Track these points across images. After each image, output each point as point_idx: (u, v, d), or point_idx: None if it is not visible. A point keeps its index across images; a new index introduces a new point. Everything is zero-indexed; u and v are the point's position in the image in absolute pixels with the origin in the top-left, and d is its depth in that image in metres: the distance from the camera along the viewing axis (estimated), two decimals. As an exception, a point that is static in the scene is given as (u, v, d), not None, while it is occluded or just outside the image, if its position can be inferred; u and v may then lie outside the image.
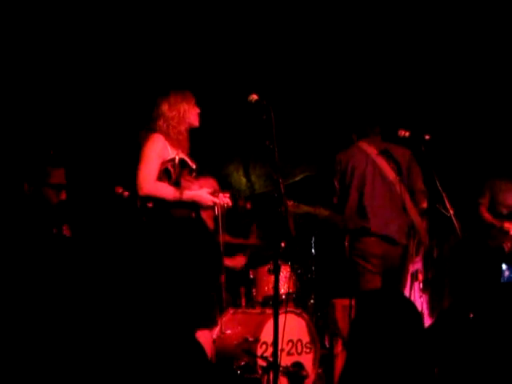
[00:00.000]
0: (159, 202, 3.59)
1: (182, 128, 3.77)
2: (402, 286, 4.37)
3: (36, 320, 3.76)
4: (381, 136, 4.52)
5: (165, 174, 3.64)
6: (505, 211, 5.37)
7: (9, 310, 3.72)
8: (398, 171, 4.33)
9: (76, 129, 4.97)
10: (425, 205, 4.39)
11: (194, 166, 3.84)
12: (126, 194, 3.73)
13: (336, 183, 4.46)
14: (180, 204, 3.60)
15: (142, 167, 3.62)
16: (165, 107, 3.76)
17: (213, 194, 3.72)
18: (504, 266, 5.25)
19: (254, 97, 3.42)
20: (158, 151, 3.65)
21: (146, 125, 3.76)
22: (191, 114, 3.80)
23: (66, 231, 4.25)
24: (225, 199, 3.85)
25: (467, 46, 5.68)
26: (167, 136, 3.71)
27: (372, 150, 4.38)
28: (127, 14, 5.02)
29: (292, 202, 4.59)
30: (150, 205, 3.52)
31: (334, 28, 5.65)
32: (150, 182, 3.58)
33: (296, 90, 5.74)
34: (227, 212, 5.14)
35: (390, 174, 4.31)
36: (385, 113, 4.66)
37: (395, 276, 4.27)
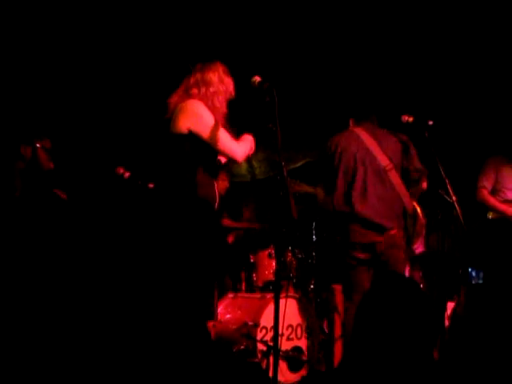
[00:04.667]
0: (161, 183, 3.50)
1: (224, 106, 3.55)
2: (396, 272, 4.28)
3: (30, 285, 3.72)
4: (379, 123, 4.46)
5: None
6: (511, 196, 5.18)
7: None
8: (391, 158, 4.25)
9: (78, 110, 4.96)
10: (424, 185, 4.31)
11: None
12: (127, 174, 3.68)
13: (325, 168, 4.41)
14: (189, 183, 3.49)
15: (220, 139, 3.39)
16: (214, 77, 3.52)
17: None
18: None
19: (257, 79, 3.37)
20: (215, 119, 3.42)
21: (177, 89, 3.53)
22: (230, 96, 3.59)
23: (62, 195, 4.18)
24: None
25: (467, 30, 5.65)
26: (213, 107, 3.47)
27: (365, 136, 4.30)
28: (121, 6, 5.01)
29: (294, 180, 4.56)
30: (151, 185, 3.47)
31: (337, 13, 5.62)
32: (236, 146, 3.46)
33: (299, 73, 5.72)
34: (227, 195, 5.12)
35: (383, 161, 4.24)
36: (383, 101, 4.59)
37: (386, 263, 4.21)
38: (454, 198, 4.06)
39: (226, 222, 4.96)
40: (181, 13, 5.22)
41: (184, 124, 3.41)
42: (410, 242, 4.36)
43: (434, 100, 5.75)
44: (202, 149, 3.43)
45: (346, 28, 5.69)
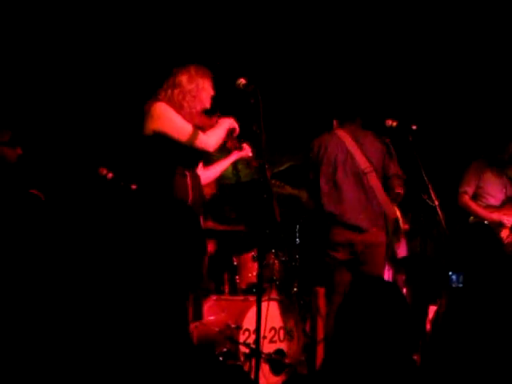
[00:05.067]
0: (143, 183, 3.52)
1: (197, 105, 3.61)
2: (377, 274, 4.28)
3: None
4: (363, 126, 4.50)
5: None
6: (493, 201, 5.23)
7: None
8: (372, 161, 4.28)
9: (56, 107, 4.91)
10: (399, 190, 4.33)
11: None
12: (110, 175, 3.67)
13: (308, 169, 4.46)
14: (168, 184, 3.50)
15: (187, 132, 3.46)
16: (183, 78, 3.58)
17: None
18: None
19: (242, 81, 3.38)
20: (180, 116, 3.50)
21: (153, 94, 3.60)
22: (207, 94, 3.63)
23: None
24: (248, 149, 3.77)
25: (450, 34, 5.70)
26: (179, 108, 3.54)
27: (347, 138, 4.35)
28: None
29: (278, 182, 4.58)
30: (134, 187, 3.47)
31: (323, 17, 5.64)
32: (205, 138, 3.49)
33: (284, 77, 5.73)
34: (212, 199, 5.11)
35: (362, 163, 4.27)
36: (369, 104, 4.63)
37: (365, 263, 4.23)
38: (436, 202, 4.10)
39: (210, 224, 4.94)
40: (164, 16, 5.21)
41: (150, 126, 3.48)
42: (389, 245, 4.40)
43: (417, 104, 5.78)
44: (172, 148, 3.48)
45: (332, 30, 5.71)
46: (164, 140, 3.46)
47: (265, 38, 5.59)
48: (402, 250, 5.98)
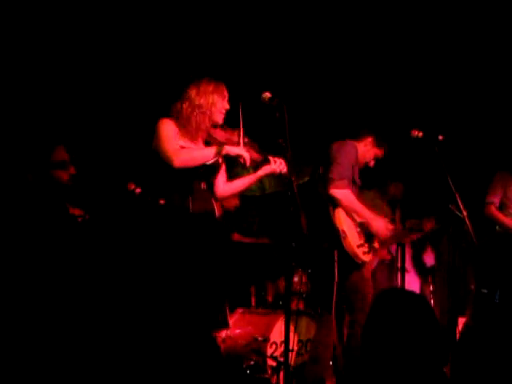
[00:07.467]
0: (171, 198, 3.52)
1: (206, 120, 3.56)
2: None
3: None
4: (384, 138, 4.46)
5: None
6: None
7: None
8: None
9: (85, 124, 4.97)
10: (329, 191, 4.01)
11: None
12: (138, 190, 3.69)
13: None
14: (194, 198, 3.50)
15: (164, 144, 3.46)
16: (193, 92, 3.55)
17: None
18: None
19: (268, 95, 3.40)
20: (173, 132, 3.50)
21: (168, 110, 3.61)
22: (217, 109, 3.58)
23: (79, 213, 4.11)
24: (281, 165, 3.62)
25: (476, 44, 5.67)
26: (186, 122, 3.53)
27: None
28: (130, 11, 5.04)
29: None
30: (162, 202, 3.49)
31: (346, 30, 5.66)
32: (178, 151, 3.45)
33: (309, 89, 5.74)
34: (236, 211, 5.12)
35: None
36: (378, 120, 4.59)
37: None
38: (464, 212, 4.06)
39: (236, 236, 4.96)
40: (191, 33, 5.27)
41: (152, 142, 3.53)
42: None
43: (444, 115, 5.76)
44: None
45: (354, 41, 5.72)
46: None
47: (289, 51, 5.62)
48: (429, 258, 5.95)
